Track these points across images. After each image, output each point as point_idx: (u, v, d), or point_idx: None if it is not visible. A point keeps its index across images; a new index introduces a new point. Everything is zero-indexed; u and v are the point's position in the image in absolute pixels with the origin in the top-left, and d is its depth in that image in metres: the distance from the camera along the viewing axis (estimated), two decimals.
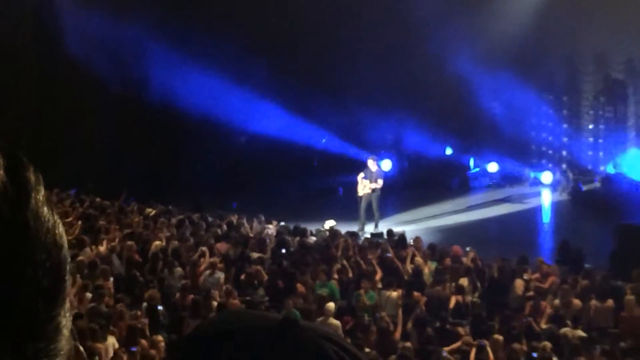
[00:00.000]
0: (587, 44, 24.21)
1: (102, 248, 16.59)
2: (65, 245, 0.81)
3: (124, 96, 24.21)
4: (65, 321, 0.79)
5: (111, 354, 10.96)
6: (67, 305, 0.80)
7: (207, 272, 15.19)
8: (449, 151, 25.80)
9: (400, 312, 13.25)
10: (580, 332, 12.27)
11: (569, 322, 12.90)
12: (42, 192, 0.78)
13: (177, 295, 14.22)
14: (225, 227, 18.54)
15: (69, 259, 0.82)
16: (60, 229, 0.80)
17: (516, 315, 13.28)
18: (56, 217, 0.80)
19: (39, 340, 0.75)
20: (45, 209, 0.77)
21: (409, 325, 12.91)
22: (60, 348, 0.79)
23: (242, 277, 15.13)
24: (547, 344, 11.40)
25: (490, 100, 24.87)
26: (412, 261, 15.83)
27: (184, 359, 1.13)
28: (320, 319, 12.58)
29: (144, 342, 11.34)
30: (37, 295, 0.74)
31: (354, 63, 24.43)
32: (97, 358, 10.46)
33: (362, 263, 15.74)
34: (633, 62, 23.81)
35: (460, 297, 14.10)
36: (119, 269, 15.77)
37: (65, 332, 0.80)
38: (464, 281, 14.73)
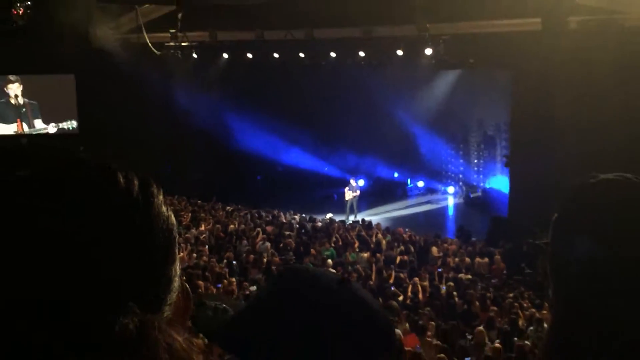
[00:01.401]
0: (474, 113, 26.81)
1: (202, 229, 18.99)
2: (175, 229, 0.97)
3: (215, 141, 27.30)
4: (175, 273, 0.96)
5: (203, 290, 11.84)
6: (177, 263, 0.97)
7: (260, 242, 17.28)
8: (396, 174, 28.76)
9: (373, 266, 15.25)
10: (469, 276, 14.53)
11: (463, 271, 15.19)
12: (161, 197, 0.95)
13: (244, 255, 16.05)
14: (270, 217, 21.20)
15: (178, 237, 0.98)
16: (172, 219, 0.97)
17: (433, 266, 15.47)
18: (170, 212, 0.97)
19: (158, 286, 0.92)
20: (163, 208, 0.94)
21: (374, 272, 14.69)
22: (172, 289, 0.96)
23: (280, 245, 17.33)
24: (451, 284, 13.65)
25: (421, 144, 28.27)
26: (375, 237, 18.21)
27: (285, 286, 1.39)
28: (323, 269, 14.58)
29: (225, 282, 13.09)
30: (157, 259, 0.92)
31: (344, 123, 27.62)
32: (198, 290, 11.42)
33: (347, 237, 18.02)
34: (499, 125, 25.50)
35: (403, 257, 16.25)
36: (211, 242, 17.67)
37: (176, 279, 0.97)
38: (402, 248, 16.99)
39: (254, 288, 13.11)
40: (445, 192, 27.60)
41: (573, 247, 1.35)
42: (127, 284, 0.84)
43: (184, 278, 1.01)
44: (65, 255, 0.80)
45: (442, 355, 8.39)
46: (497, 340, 9.64)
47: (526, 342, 9.34)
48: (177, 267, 0.96)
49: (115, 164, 0.90)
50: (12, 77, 25.21)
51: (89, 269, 0.81)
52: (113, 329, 0.80)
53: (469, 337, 9.95)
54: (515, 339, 9.66)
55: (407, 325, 10.33)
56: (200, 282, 12.53)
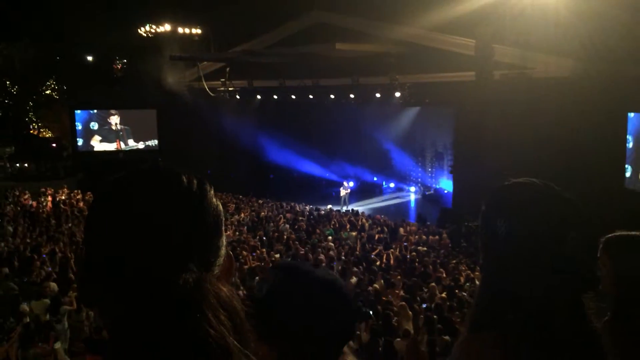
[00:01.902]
0: (428, 136, 26.00)
1: (242, 215, 19.03)
2: (222, 214, 0.95)
3: (252, 155, 26.93)
4: (222, 244, 0.94)
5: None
6: (224, 237, 0.95)
7: (282, 224, 17.25)
8: (375, 178, 27.86)
9: (358, 241, 14.92)
10: (425, 248, 14.29)
11: (421, 244, 14.91)
12: (212, 191, 0.94)
13: (271, 233, 15.94)
14: (289, 207, 21.00)
15: (224, 219, 0.96)
16: (220, 207, 0.95)
17: (400, 243, 14.68)
18: (218, 202, 0.95)
19: (210, 252, 0.91)
20: (213, 199, 0.93)
21: (359, 245, 14.31)
22: (220, 254, 0.93)
23: (295, 226, 17.21)
24: (413, 253, 13.15)
25: (392, 157, 27.66)
26: (360, 221, 17.92)
27: (285, 277, 1.24)
28: (324, 243, 14.18)
29: (258, 251, 13.00)
30: (209, 233, 0.91)
31: (340, 143, 27.28)
32: (240, 258, 11.63)
33: (342, 221, 17.87)
34: (446, 144, 24.38)
35: (380, 235, 15.84)
36: (249, 224, 17.73)
37: (223, 248, 0.94)
38: (379, 228, 16.81)
39: (277, 256, 13.00)
40: (409, 191, 26.98)
41: (494, 227, 1.38)
42: (189, 249, 0.87)
43: (229, 248, 1.01)
44: (148, 228, 0.85)
45: (404, 303, 8.34)
46: (444, 292, 9.64)
47: (464, 293, 9.33)
48: (224, 240, 0.96)
49: (181, 170, 0.93)
50: (113, 111, 25.85)
51: (165, 237, 0.85)
52: (179, 281, 0.83)
53: (425, 290, 9.90)
54: (457, 291, 9.62)
55: (382, 281, 10.22)
56: (243, 252, 12.50)
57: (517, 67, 15.59)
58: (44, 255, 11.10)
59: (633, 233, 1.99)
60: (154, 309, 0.81)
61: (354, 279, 10.15)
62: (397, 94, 19.60)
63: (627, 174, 14.05)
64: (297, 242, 14.59)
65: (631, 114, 13.89)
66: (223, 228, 0.96)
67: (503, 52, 15.75)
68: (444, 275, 11.20)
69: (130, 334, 0.81)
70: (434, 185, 26.19)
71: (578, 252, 1.33)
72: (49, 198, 20.17)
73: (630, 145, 13.96)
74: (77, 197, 21.06)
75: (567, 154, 13.97)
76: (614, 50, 12.63)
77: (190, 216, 0.88)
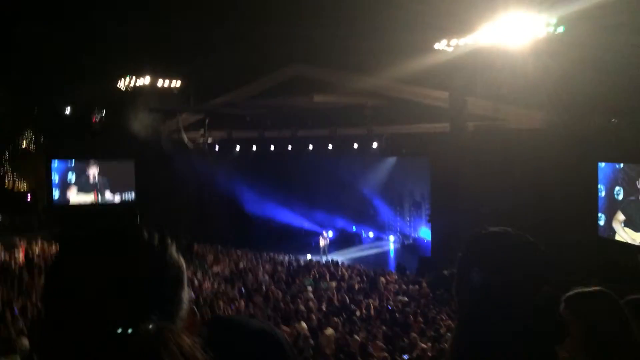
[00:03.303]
0: (406, 186, 25.87)
1: (221, 266, 18.70)
2: (183, 268, 0.97)
3: (230, 205, 26.31)
4: (185, 297, 0.95)
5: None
6: (186, 291, 0.96)
7: (261, 275, 17.11)
8: (354, 228, 27.65)
9: (333, 288, 15.06)
10: (405, 298, 13.96)
11: (401, 294, 14.56)
12: (174, 247, 0.96)
13: (249, 285, 15.47)
14: (268, 257, 21.06)
15: (185, 273, 0.98)
16: (181, 261, 0.96)
17: (380, 293, 14.67)
18: (180, 257, 0.96)
19: (171, 305, 0.92)
20: (174, 254, 0.96)
21: (338, 295, 14.09)
22: (182, 308, 0.95)
23: (275, 277, 16.86)
24: (392, 303, 13.12)
25: (371, 206, 27.53)
26: (340, 271, 17.92)
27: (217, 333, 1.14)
28: (304, 294, 14.01)
29: (236, 303, 12.55)
30: (169, 286, 0.93)
31: (319, 192, 26.83)
32: (217, 310, 11.08)
33: (321, 271, 17.69)
34: (423, 193, 24.14)
35: (359, 285, 15.86)
36: (227, 275, 17.30)
37: (185, 302, 0.96)
38: (359, 278, 16.81)
39: (256, 307, 12.59)
40: (388, 240, 26.78)
41: (469, 276, 1.40)
42: (149, 301, 0.89)
43: (193, 303, 1.05)
44: (107, 281, 0.88)
45: (386, 354, 8.30)
46: (425, 343, 9.55)
47: (445, 344, 9.04)
48: (186, 294, 0.98)
49: (145, 226, 0.97)
50: (92, 162, 25.43)
51: (123, 289, 0.88)
52: (139, 331, 0.85)
53: (406, 341, 9.79)
54: (437, 342, 9.54)
55: (363, 332, 10.17)
56: (219, 303, 12.18)
57: (490, 118, 16.04)
58: (16, 311, 10.74)
59: (592, 289, 1.98)
60: (114, 358, 0.83)
61: (330, 331, 10.01)
62: (375, 145, 19.94)
63: (601, 222, 14.32)
64: (276, 293, 14.35)
65: (602, 164, 14.27)
66: (185, 282, 0.98)
67: (476, 104, 16.25)
68: (425, 325, 11.17)
69: None
70: (412, 235, 26.12)
71: (551, 303, 1.37)
72: (22, 252, 19.68)
73: (602, 194, 14.27)
74: (52, 250, 20.57)
75: (541, 203, 14.16)
76: (581, 103, 13.13)
77: (150, 270, 0.92)
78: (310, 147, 22.58)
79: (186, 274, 1.00)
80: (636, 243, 13.00)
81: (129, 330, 0.84)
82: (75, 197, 25.38)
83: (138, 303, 0.87)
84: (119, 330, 0.84)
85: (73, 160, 25.28)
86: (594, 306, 1.91)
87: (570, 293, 1.97)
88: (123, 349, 0.83)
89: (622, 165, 13.69)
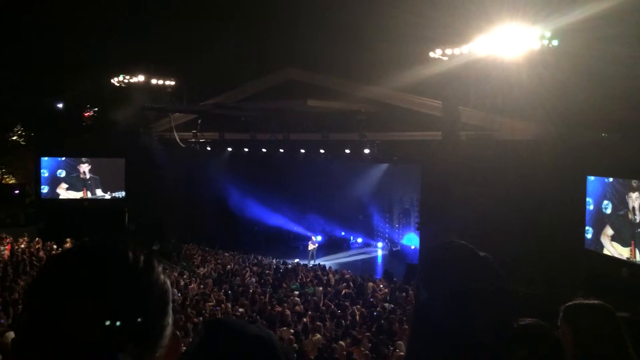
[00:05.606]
0: (396, 193, 26.08)
1: (208, 267, 19.36)
2: (169, 288, 0.93)
3: (220, 206, 26.36)
4: (168, 323, 0.92)
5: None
6: (170, 316, 0.92)
7: (248, 278, 17.28)
8: (343, 233, 27.75)
9: (321, 294, 15.15)
10: (391, 305, 13.94)
11: (387, 302, 14.61)
12: (160, 267, 0.92)
13: (236, 287, 15.71)
14: (256, 260, 21.12)
15: (171, 295, 0.94)
16: (167, 284, 0.92)
17: (367, 297, 15.07)
18: (166, 279, 0.92)
19: (153, 333, 0.89)
20: (160, 275, 0.92)
21: (324, 300, 14.45)
22: (165, 335, 0.91)
23: (262, 280, 17.04)
24: (379, 309, 13.19)
25: (360, 213, 27.53)
26: (327, 276, 17.83)
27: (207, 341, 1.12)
28: (290, 298, 14.17)
29: (222, 305, 12.80)
30: (151, 313, 0.88)
31: (309, 197, 26.86)
32: (203, 312, 11.41)
33: (308, 276, 17.78)
34: (413, 201, 24.21)
35: (346, 290, 15.81)
36: (214, 277, 17.69)
37: (169, 328, 0.92)
38: (345, 284, 16.58)
39: (242, 310, 12.72)
40: (376, 246, 26.93)
41: (418, 290, 1.37)
42: (129, 330, 0.85)
43: (187, 302, 0.99)
44: (85, 307, 0.84)
45: None
46: None
47: None
48: (170, 319, 0.94)
49: (130, 245, 0.93)
50: (83, 159, 25.23)
51: (102, 316, 0.83)
52: None
53: (391, 347, 9.71)
54: None
55: (349, 339, 10.10)
56: (206, 305, 12.31)
57: (483, 128, 16.05)
58: None
59: (592, 301, 1.94)
60: None
61: (317, 336, 9.97)
62: (366, 151, 19.82)
63: (588, 235, 14.34)
64: (262, 297, 14.33)
65: (591, 177, 14.31)
66: (170, 307, 0.95)
67: (469, 114, 16.25)
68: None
69: None
70: (400, 241, 26.15)
71: (498, 317, 1.28)
72: (7, 246, 19.50)
73: (590, 207, 14.30)
74: (37, 245, 20.41)
75: (530, 214, 14.20)
76: (574, 116, 13.20)
77: (132, 296, 0.87)
78: (302, 151, 22.60)
79: (171, 296, 0.96)
80: (623, 258, 13.00)
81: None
82: (65, 193, 25.21)
83: (115, 333, 0.83)
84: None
85: (64, 157, 25.11)
86: (591, 318, 1.88)
87: (569, 304, 1.95)
88: None
89: (611, 179, 13.68)
